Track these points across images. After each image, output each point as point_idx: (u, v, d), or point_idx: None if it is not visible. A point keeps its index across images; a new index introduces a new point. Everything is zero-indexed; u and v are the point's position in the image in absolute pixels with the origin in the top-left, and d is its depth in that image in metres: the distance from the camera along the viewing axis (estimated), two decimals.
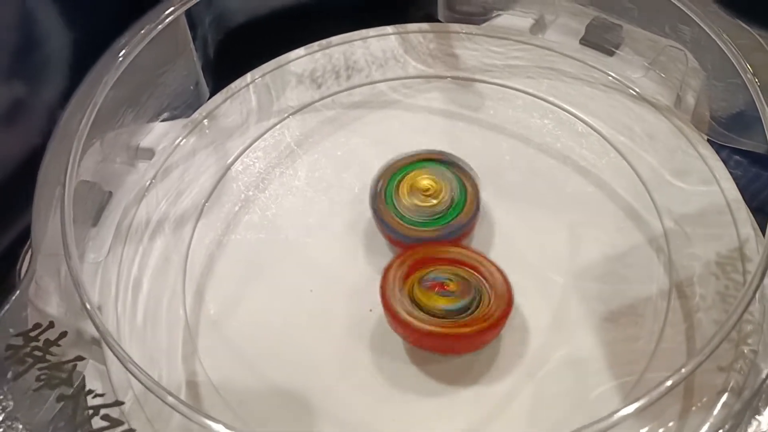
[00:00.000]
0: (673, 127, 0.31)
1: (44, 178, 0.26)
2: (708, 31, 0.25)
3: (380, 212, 0.28)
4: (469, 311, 0.25)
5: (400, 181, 0.28)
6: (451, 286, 0.25)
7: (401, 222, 0.28)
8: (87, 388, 0.22)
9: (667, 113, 0.32)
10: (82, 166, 0.31)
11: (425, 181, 0.28)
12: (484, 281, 0.26)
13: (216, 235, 0.30)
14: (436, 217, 0.27)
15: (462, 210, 0.28)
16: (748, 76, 0.24)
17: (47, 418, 0.23)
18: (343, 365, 0.27)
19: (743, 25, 0.26)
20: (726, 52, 0.25)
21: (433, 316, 0.25)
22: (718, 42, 0.25)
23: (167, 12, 0.28)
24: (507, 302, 0.25)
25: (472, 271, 0.26)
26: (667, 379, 0.19)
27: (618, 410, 0.19)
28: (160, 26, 0.28)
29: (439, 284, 0.26)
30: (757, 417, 0.22)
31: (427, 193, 0.28)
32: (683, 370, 0.19)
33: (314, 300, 0.28)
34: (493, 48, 0.35)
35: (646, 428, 0.23)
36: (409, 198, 0.28)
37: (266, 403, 0.26)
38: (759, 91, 0.23)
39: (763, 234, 0.23)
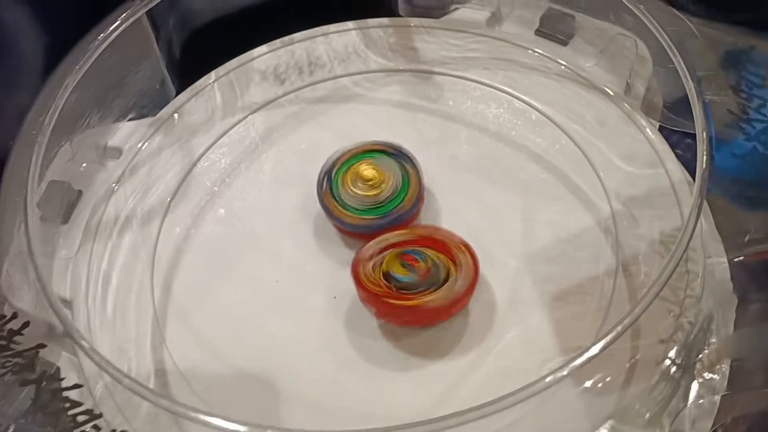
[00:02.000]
0: (622, 114, 0.32)
1: (9, 179, 0.27)
2: (642, 18, 0.27)
3: (326, 202, 0.29)
4: (428, 288, 0.26)
5: (345, 172, 0.29)
6: (419, 264, 0.27)
7: (344, 210, 0.29)
8: (48, 373, 0.23)
9: (617, 100, 0.33)
10: (51, 167, 0.32)
11: (368, 171, 0.29)
12: (453, 265, 0.27)
13: (183, 229, 0.31)
14: (379, 205, 0.29)
15: (404, 199, 0.29)
16: (679, 61, 0.25)
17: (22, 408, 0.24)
18: (307, 351, 0.28)
19: (677, 12, 0.27)
20: (659, 38, 0.26)
21: (394, 287, 0.26)
22: (651, 29, 0.26)
23: (126, 14, 0.29)
24: (470, 285, 0.27)
25: (445, 256, 0.27)
26: (592, 346, 0.20)
27: (555, 370, 0.20)
28: (120, 28, 0.28)
29: (413, 259, 0.27)
30: (696, 382, 0.23)
31: (370, 183, 0.29)
32: (610, 335, 0.20)
33: (279, 290, 0.29)
34: (451, 41, 0.36)
35: (593, 396, 0.24)
36: (352, 187, 0.29)
37: (233, 388, 0.27)
38: (688, 76, 0.24)
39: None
